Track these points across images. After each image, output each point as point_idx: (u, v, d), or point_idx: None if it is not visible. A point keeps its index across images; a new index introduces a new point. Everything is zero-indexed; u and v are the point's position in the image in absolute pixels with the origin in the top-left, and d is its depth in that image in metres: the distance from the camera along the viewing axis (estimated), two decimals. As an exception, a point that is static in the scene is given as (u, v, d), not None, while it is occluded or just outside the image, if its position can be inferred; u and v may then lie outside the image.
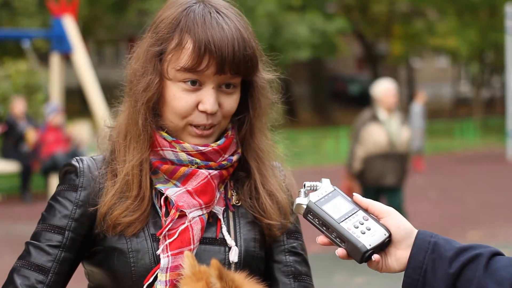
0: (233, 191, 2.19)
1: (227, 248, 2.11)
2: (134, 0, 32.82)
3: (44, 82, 16.78)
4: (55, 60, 15.48)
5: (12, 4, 28.87)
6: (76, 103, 31.54)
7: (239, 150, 2.19)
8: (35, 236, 2.11)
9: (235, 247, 2.11)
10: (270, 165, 2.23)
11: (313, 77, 40.56)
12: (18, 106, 15.83)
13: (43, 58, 19.36)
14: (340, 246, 1.90)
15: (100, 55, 43.96)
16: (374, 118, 9.79)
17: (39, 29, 23.81)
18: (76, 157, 2.18)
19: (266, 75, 2.21)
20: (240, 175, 2.20)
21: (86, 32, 29.46)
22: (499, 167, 21.03)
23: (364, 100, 45.00)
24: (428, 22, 36.96)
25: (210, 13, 2.09)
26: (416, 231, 1.92)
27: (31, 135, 15.18)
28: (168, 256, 2.06)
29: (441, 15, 36.11)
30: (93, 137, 20.92)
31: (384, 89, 9.89)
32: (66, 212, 2.10)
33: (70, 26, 15.32)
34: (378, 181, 9.76)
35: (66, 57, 15.76)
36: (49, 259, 2.07)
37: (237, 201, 2.18)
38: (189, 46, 2.05)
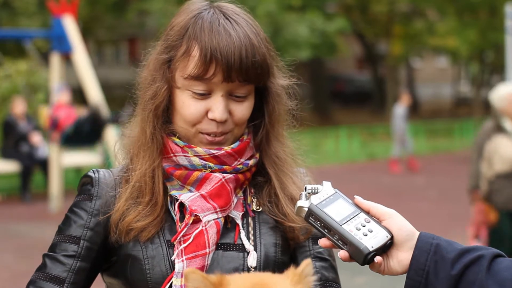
0: (253, 197, 2.15)
1: (245, 254, 2.08)
2: (134, 0, 32.81)
3: (44, 82, 16.77)
4: (55, 60, 15.46)
5: (12, 4, 28.85)
6: (76, 103, 31.52)
7: (257, 155, 2.16)
8: (52, 247, 2.11)
9: (254, 251, 2.08)
10: (289, 172, 2.19)
11: (313, 77, 40.54)
12: (19, 106, 15.83)
13: (43, 58, 19.35)
14: (342, 249, 1.90)
15: (100, 55, 43.94)
16: (500, 129, 8.03)
17: (39, 29, 23.79)
18: (93, 169, 2.17)
19: (282, 81, 2.18)
20: (259, 180, 2.17)
21: (86, 32, 29.43)
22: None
23: (362, 100, 45.08)
24: (428, 22, 36.94)
25: (219, 20, 2.06)
26: (417, 233, 1.92)
27: (44, 113, 15.10)
28: (182, 260, 2.03)
29: (441, 15, 36.08)
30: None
31: (507, 95, 8.03)
32: (81, 222, 2.10)
33: (70, 26, 15.30)
34: (509, 205, 8.07)
35: (66, 57, 15.72)
36: (65, 269, 2.06)
37: (257, 207, 2.15)
38: (196, 53, 2.03)
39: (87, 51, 16.28)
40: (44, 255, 2.11)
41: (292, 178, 2.19)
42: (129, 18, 33.04)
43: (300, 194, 1.96)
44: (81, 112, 14.58)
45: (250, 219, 2.13)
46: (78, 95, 28.87)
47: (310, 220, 1.93)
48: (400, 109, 20.62)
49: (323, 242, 1.93)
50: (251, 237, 2.11)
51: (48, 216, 13.80)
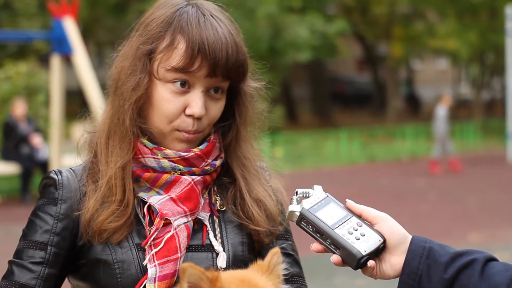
0: (217, 196, 2.14)
1: (214, 254, 2.07)
2: (134, 2, 32.81)
3: (45, 83, 16.77)
4: (56, 61, 15.47)
5: (12, 6, 28.84)
6: (76, 105, 31.54)
7: (222, 155, 2.15)
8: (17, 254, 2.07)
9: (223, 252, 2.07)
10: (255, 172, 2.18)
11: (313, 78, 40.52)
12: (19, 108, 15.82)
13: (44, 60, 19.39)
14: (334, 253, 1.89)
15: (100, 56, 43.91)
16: None
17: (40, 30, 23.80)
18: (55, 170, 2.12)
19: (254, 83, 2.17)
20: (224, 181, 2.16)
21: (86, 34, 29.43)
22: (500, 169, 21.02)
23: (362, 102, 45.08)
24: (428, 24, 36.93)
25: (204, 15, 2.05)
26: (410, 236, 1.91)
27: None
28: (155, 265, 2.01)
29: (441, 17, 36.06)
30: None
31: None
32: (47, 227, 2.05)
33: (71, 28, 15.32)
34: None
35: (67, 58, 15.75)
36: (33, 277, 2.02)
37: (221, 206, 2.13)
38: (181, 46, 2.01)
39: (87, 52, 16.28)
40: (11, 262, 2.06)
41: (258, 178, 2.18)
42: (129, 19, 33.01)
43: (291, 199, 1.96)
44: None
45: (216, 219, 2.12)
46: (79, 97, 28.89)
47: (302, 225, 1.93)
48: (441, 110, 20.65)
49: (315, 247, 1.92)
50: (218, 236, 2.10)
51: (48, 217, 13.77)
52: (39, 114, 16.72)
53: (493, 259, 1.87)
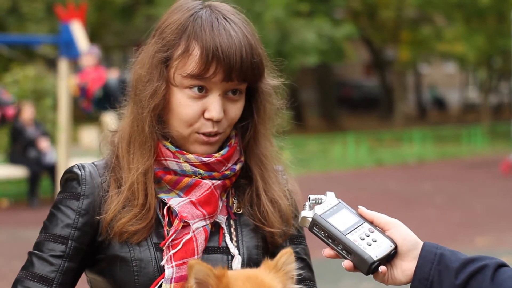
0: (234, 199, 2.17)
1: (229, 257, 2.10)
2: (142, 6, 32.87)
3: (52, 87, 16.80)
4: (63, 65, 15.50)
5: (20, 10, 28.93)
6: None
7: (242, 158, 2.17)
8: (38, 246, 2.09)
9: (238, 255, 2.10)
10: (273, 170, 2.20)
11: (321, 82, 40.52)
12: (27, 112, 15.85)
13: (51, 64, 19.43)
14: (346, 258, 1.91)
15: (108, 60, 44.03)
16: None
17: (47, 34, 23.85)
18: (78, 164, 2.15)
19: (271, 81, 2.19)
20: (241, 183, 2.18)
21: (94, 38, 29.46)
22: (507, 173, 20.97)
23: (369, 106, 45.08)
24: (436, 28, 36.91)
25: (217, 19, 2.07)
26: (421, 242, 1.92)
27: (72, 82, 14.99)
28: (172, 266, 2.04)
29: (449, 21, 36.05)
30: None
31: None
32: (68, 221, 2.08)
33: (78, 32, 15.34)
34: None
35: (74, 62, 15.77)
36: (53, 270, 2.06)
37: (238, 209, 2.16)
38: (196, 52, 2.03)
39: (95, 57, 16.29)
40: (31, 253, 2.10)
41: (276, 177, 2.21)
42: (137, 23, 33.09)
43: (304, 204, 1.97)
44: (110, 74, 14.34)
45: (232, 222, 2.15)
46: (86, 101, 28.91)
47: (314, 230, 1.94)
48: None
49: (327, 252, 1.94)
50: (234, 239, 2.13)
51: (56, 221, 13.76)
52: (46, 118, 16.74)
53: (504, 265, 1.88)
